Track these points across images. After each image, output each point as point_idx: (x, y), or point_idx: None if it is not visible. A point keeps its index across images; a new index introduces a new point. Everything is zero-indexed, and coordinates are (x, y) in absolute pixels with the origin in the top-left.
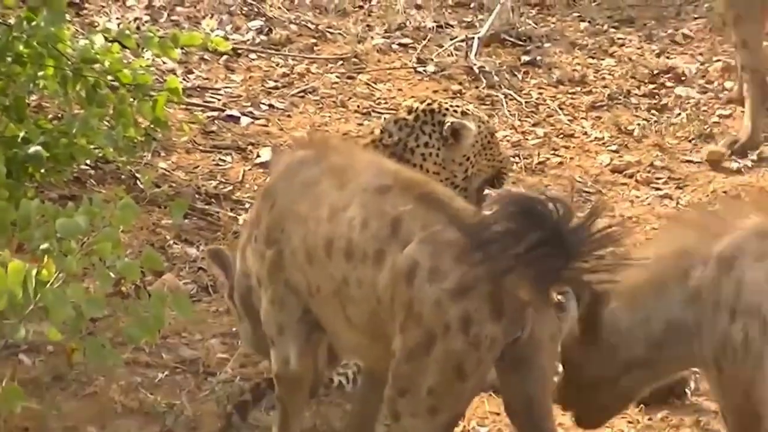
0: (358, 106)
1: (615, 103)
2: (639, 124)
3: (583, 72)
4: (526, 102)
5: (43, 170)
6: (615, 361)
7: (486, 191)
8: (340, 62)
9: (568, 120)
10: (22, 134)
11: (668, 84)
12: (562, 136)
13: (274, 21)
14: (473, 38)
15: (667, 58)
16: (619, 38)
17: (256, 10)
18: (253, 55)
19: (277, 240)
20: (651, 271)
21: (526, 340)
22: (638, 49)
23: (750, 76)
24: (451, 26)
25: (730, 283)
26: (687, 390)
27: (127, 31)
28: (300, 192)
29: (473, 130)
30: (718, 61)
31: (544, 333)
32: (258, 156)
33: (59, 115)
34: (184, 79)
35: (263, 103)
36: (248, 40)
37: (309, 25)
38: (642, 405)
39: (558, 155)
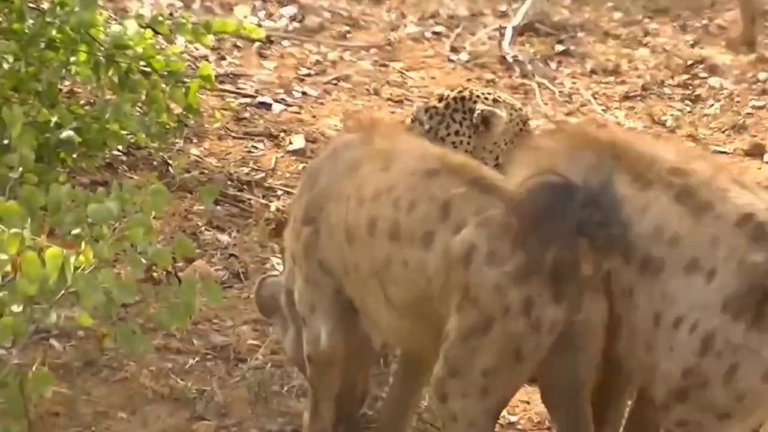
0: (391, 94)
1: (649, 93)
2: (672, 115)
3: (616, 62)
4: (559, 91)
5: (74, 155)
6: None
7: None
8: (374, 50)
9: (602, 110)
10: (54, 119)
11: (702, 74)
12: (595, 125)
13: (308, 8)
14: (507, 27)
15: (701, 48)
16: (653, 28)
17: None
18: (286, 42)
19: (315, 219)
20: None
21: (581, 322)
22: (672, 39)
23: None
24: (485, 15)
25: None
26: None
27: (160, 18)
28: (343, 173)
29: (503, 118)
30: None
31: (597, 316)
32: (290, 143)
33: (91, 101)
34: (216, 66)
35: (296, 90)
36: (281, 27)
37: (342, 12)
38: None
39: None
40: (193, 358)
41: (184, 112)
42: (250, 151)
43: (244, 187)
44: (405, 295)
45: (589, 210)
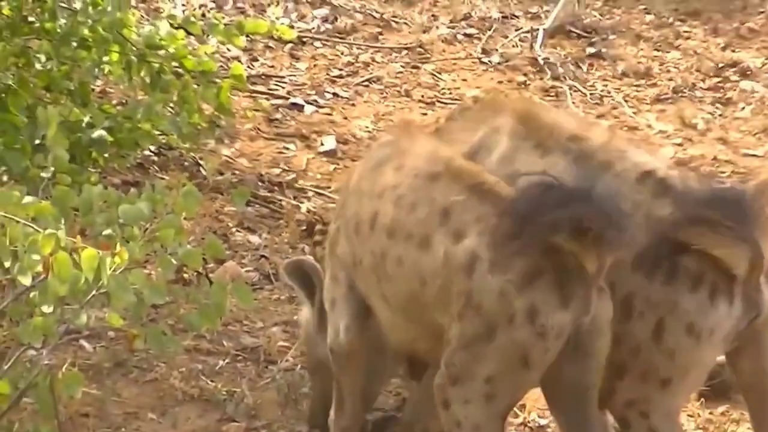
0: (422, 96)
1: (680, 96)
2: (703, 118)
3: (648, 65)
4: (590, 94)
5: (106, 155)
6: None
7: None
8: (405, 52)
9: (633, 112)
10: (86, 119)
11: (733, 78)
12: (626, 128)
13: (340, 9)
14: (538, 29)
15: (733, 51)
16: (684, 31)
17: None
18: (318, 44)
19: (339, 215)
20: None
21: (589, 324)
22: (703, 42)
23: None
24: (517, 17)
25: None
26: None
27: (193, 18)
28: (368, 171)
29: None
30: None
31: (604, 317)
32: (321, 144)
33: (123, 101)
34: (248, 67)
35: (327, 92)
36: (313, 28)
37: (374, 13)
38: (702, 399)
39: None
40: (224, 360)
41: (216, 113)
42: (281, 152)
43: (275, 188)
44: (397, 293)
45: (584, 207)
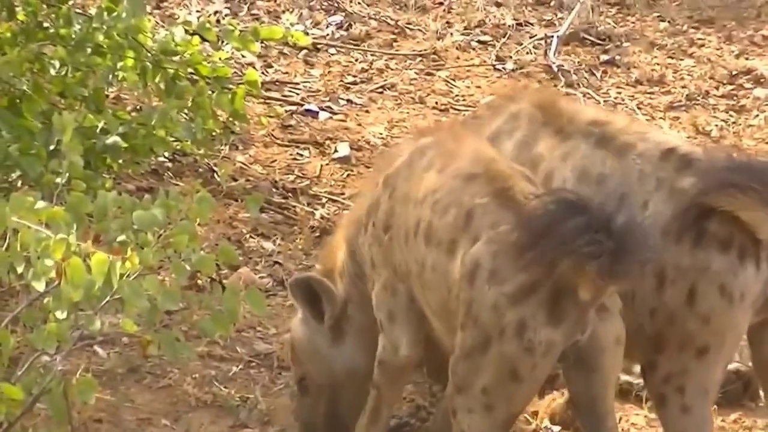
0: (437, 103)
1: (693, 103)
2: (717, 125)
3: (661, 72)
4: (604, 101)
5: (120, 161)
6: None
7: None
8: (419, 58)
9: (646, 120)
10: (100, 125)
11: (747, 85)
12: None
13: (354, 16)
14: (552, 36)
15: (747, 59)
16: (698, 39)
17: (335, 5)
18: (332, 50)
19: (391, 225)
20: None
21: (588, 342)
22: (717, 49)
23: None
24: (531, 24)
25: None
26: (761, 391)
27: (208, 24)
28: (416, 177)
29: None
30: None
31: (609, 336)
32: (336, 151)
33: (138, 107)
34: (263, 73)
35: (342, 98)
36: (328, 34)
37: (388, 20)
38: (715, 406)
39: None
40: (237, 366)
41: (230, 119)
42: (295, 159)
43: (289, 194)
44: (435, 300)
45: (599, 235)
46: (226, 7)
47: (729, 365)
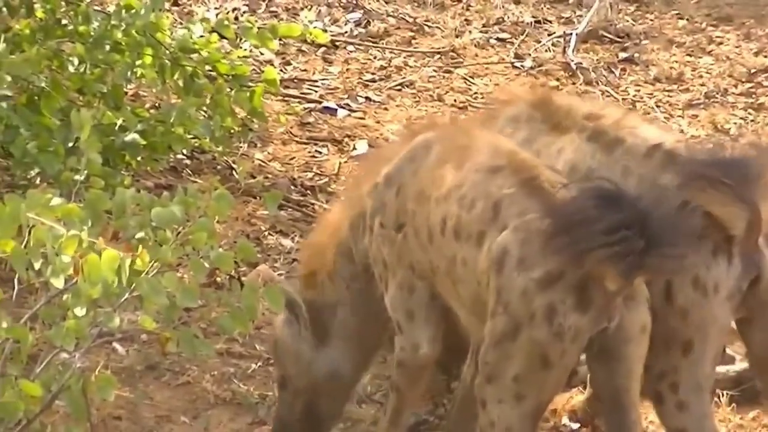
0: (455, 101)
1: (712, 101)
2: (736, 123)
3: (680, 70)
4: (623, 99)
5: (139, 158)
6: None
7: None
8: (438, 56)
9: (665, 117)
10: (119, 122)
11: (765, 83)
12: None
13: (372, 13)
14: (571, 34)
15: (765, 57)
16: (717, 36)
17: (354, 2)
18: (350, 48)
19: (405, 223)
20: None
21: (615, 331)
22: (736, 47)
23: None
24: (549, 22)
25: None
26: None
27: (226, 22)
28: (426, 173)
29: None
30: None
31: (635, 325)
32: (354, 148)
33: (156, 104)
34: (281, 71)
35: (360, 96)
36: (346, 32)
37: (407, 18)
38: (733, 404)
39: None
40: (256, 363)
41: (249, 117)
42: (314, 156)
43: (308, 192)
44: (467, 294)
45: (630, 232)
46: (244, 5)
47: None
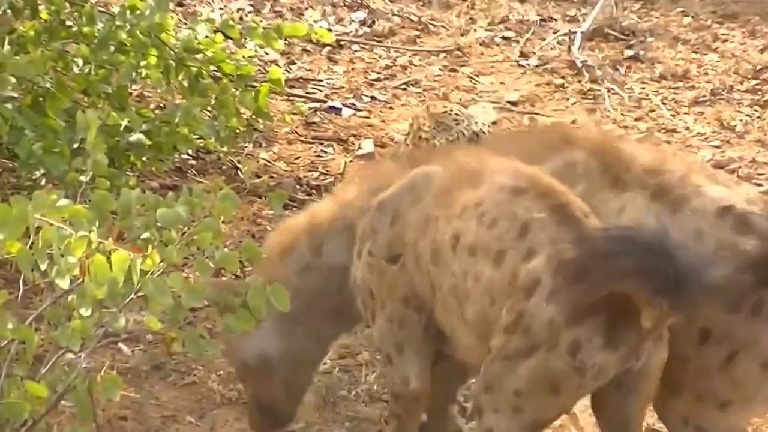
0: (461, 99)
1: (717, 98)
2: (741, 120)
3: (686, 67)
4: (628, 96)
5: (144, 159)
6: None
7: None
8: (443, 55)
9: (671, 115)
10: (124, 123)
11: None
12: (664, 131)
13: (377, 13)
14: (576, 32)
15: None
16: (722, 34)
17: (359, 1)
18: (355, 47)
19: (400, 255)
20: None
21: (639, 368)
22: (741, 44)
23: None
24: (555, 20)
25: None
26: None
27: (231, 22)
28: (430, 200)
29: None
30: None
31: (656, 362)
32: (359, 148)
33: (161, 105)
34: (286, 70)
35: (365, 95)
36: (351, 31)
37: (412, 17)
38: None
39: None
40: None
41: (254, 116)
42: (319, 156)
43: (313, 191)
44: (474, 311)
45: (665, 272)
46: (249, 5)
47: None
